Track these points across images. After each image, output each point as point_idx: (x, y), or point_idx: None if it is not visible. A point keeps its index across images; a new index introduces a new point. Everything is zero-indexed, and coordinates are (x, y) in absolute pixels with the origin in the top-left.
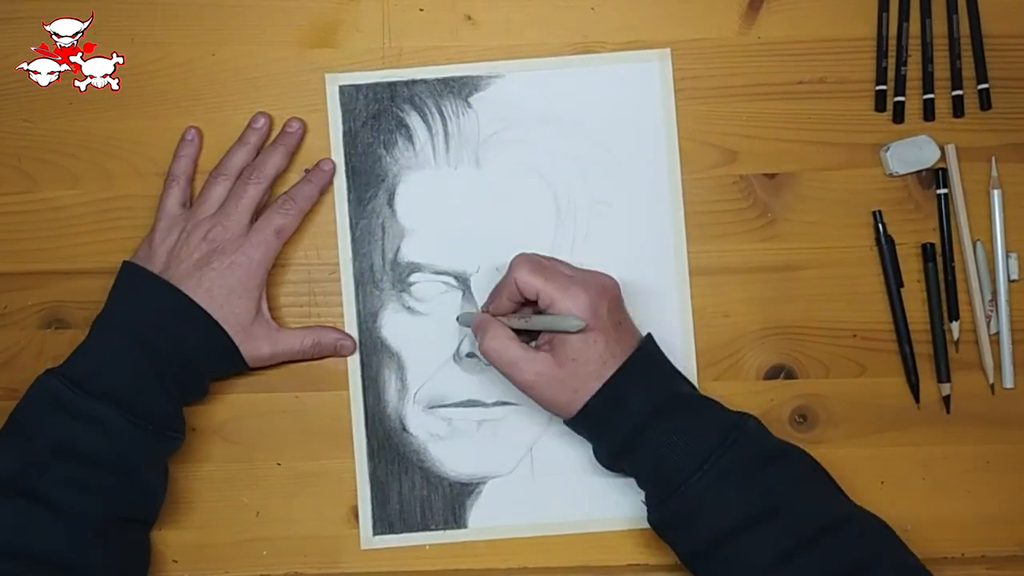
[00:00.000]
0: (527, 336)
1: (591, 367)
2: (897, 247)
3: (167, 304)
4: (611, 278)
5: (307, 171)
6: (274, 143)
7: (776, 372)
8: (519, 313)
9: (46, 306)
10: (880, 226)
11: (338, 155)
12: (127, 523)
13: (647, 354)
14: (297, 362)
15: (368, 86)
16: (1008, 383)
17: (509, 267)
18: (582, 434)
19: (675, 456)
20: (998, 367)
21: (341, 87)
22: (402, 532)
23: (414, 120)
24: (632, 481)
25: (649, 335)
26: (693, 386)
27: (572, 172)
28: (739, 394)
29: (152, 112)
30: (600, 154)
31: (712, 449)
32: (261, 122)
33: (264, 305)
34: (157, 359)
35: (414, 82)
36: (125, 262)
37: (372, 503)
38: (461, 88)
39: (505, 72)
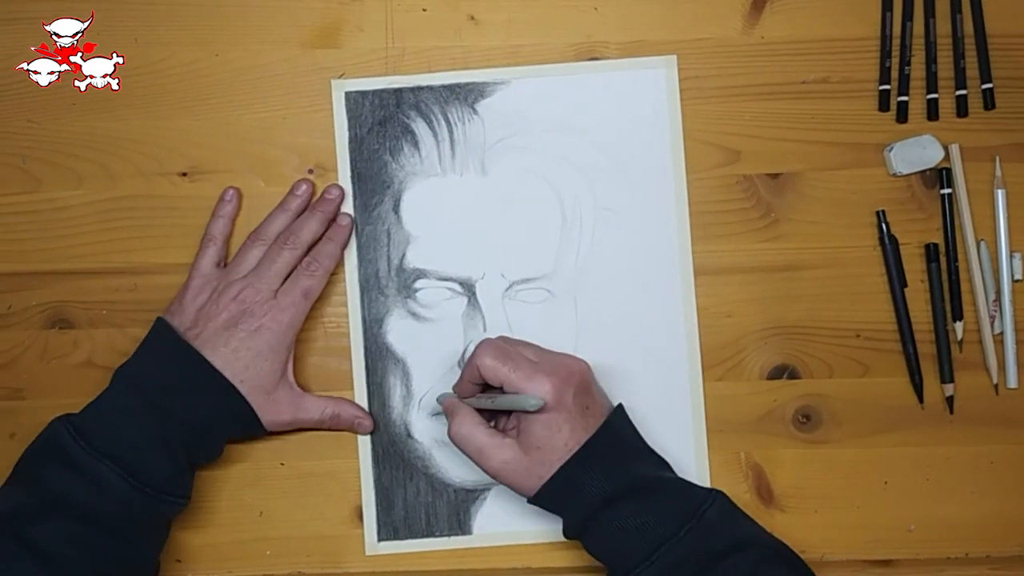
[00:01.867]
0: (496, 413)
1: (556, 454)
2: (900, 247)
3: (187, 369)
4: (580, 362)
5: (310, 171)
6: (312, 209)
7: (779, 372)
8: (486, 393)
9: (50, 306)
10: (884, 226)
11: (344, 161)
12: None
13: (610, 435)
14: (315, 431)
15: (374, 92)
16: (1012, 383)
17: (473, 353)
18: (548, 510)
19: (628, 541)
20: (1002, 367)
21: (347, 93)
22: (407, 538)
23: (420, 127)
24: None
25: (619, 407)
26: (663, 462)
27: (578, 179)
28: (742, 394)
29: (156, 112)
30: (606, 161)
31: (664, 539)
32: (303, 189)
33: (290, 369)
34: (167, 423)
35: (420, 88)
36: (159, 318)
37: (377, 509)
38: (467, 95)
39: (511, 79)
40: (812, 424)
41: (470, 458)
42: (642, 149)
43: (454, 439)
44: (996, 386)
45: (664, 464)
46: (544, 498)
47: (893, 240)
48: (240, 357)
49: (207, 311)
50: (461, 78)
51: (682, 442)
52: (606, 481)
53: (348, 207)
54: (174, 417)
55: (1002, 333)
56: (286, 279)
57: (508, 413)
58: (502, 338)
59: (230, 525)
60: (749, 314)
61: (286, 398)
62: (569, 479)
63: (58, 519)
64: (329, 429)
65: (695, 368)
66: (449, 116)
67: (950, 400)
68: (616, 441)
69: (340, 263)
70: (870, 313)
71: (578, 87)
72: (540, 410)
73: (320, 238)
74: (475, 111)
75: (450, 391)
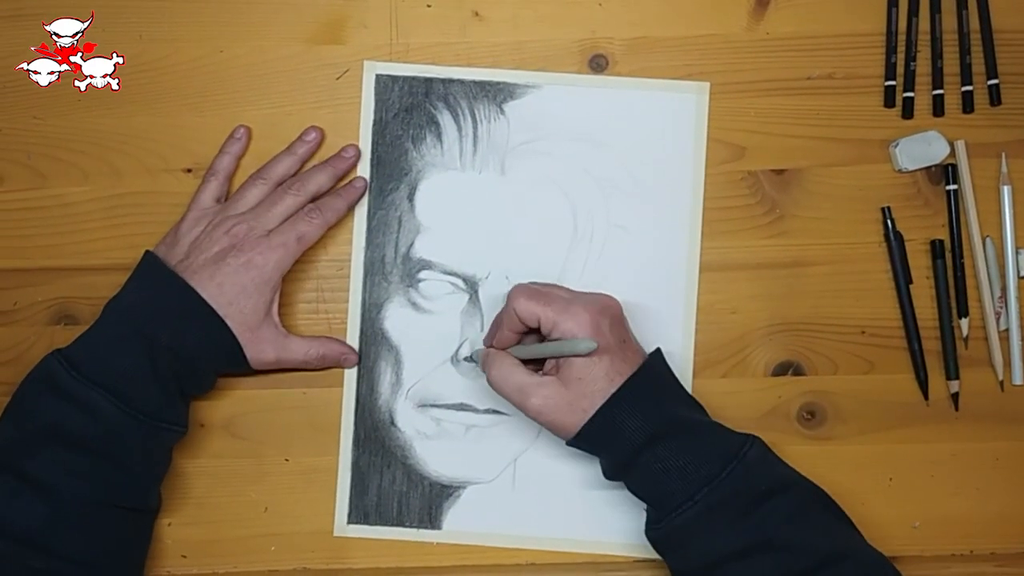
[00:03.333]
0: (534, 366)
1: (598, 384)
2: (906, 243)
3: (174, 299)
4: (611, 297)
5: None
6: (325, 163)
7: (784, 368)
8: (523, 343)
9: (55, 302)
10: (889, 222)
11: (366, 143)
12: (116, 510)
13: (649, 375)
14: (300, 371)
15: (404, 78)
16: (1018, 380)
17: (507, 299)
18: (587, 450)
19: (670, 482)
20: (1008, 364)
21: (378, 76)
22: (376, 524)
23: (446, 119)
24: (613, 509)
25: (658, 351)
26: (700, 407)
27: (595, 192)
28: (747, 391)
29: (161, 109)
30: (625, 178)
31: (706, 480)
32: (312, 135)
33: (275, 309)
34: (156, 351)
35: (451, 81)
36: (147, 251)
37: (351, 492)
38: (496, 93)
39: (542, 83)
40: (817, 421)
41: (510, 401)
42: (663, 171)
43: (493, 383)
44: (1002, 383)
45: (702, 409)
46: (585, 438)
47: (899, 237)
48: (224, 291)
49: (200, 243)
50: (494, 76)
51: None
52: (647, 421)
53: None
54: (162, 345)
55: (1007, 329)
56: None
57: (542, 362)
58: (532, 283)
59: (234, 521)
60: (754, 310)
61: (270, 336)
62: (610, 419)
63: (53, 449)
64: (315, 369)
65: (688, 376)
66: (476, 112)
67: (955, 397)
68: (656, 382)
69: (347, 232)
70: (875, 309)
71: (608, 101)
72: (590, 354)
73: (326, 193)
74: (502, 111)
75: (481, 347)
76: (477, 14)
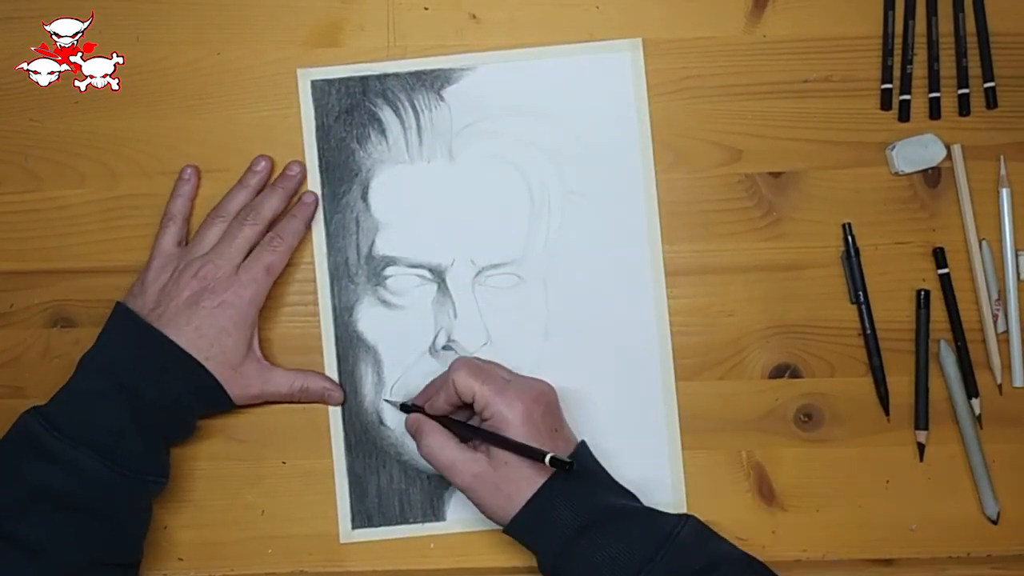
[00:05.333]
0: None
1: (524, 471)
2: (902, 246)
3: (152, 350)
4: (547, 384)
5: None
6: (273, 185)
7: (781, 371)
8: (454, 415)
9: (52, 305)
10: (849, 238)
11: (311, 150)
12: (106, 567)
13: (579, 465)
14: (284, 403)
15: (340, 80)
16: (1018, 382)
17: (448, 368)
18: (522, 543)
19: (606, 571)
20: (1006, 367)
21: (313, 82)
22: (381, 525)
23: (387, 114)
24: None
25: (583, 443)
26: (630, 494)
27: (545, 163)
28: (744, 393)
29: (158, 112)
30: (573, 145)
31: (642, 564)
32: (261, 165)
33: (255, 343)
34: (138, 404)
35: (386, 76)
36: (117, 303)
37: (350, 497)
38: (433, 81)
39: (477, 64)
40: (814, 423)
41: (441, 473)
42: (609, 133)
43: (425, 454)
44: (1000, 386)
45: (632, 496)
46: (518, 527)
47: (857, 252)
48: (204, 335)
49: (169, 290)
50: (426, 65)
51: (654, 425)
52: (579, 510)
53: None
54: (144, 398)
55: (1006, 332)
56: (248, 255)
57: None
58: (476, 358)
59: (232, 523)
60: (751, 313)
61: (253, 371)
62: (542, 508)
63: (41, 511)
64: (299, 402)
65: (665, 347)
66: (415, 103)
67: (921, 448)
68: (585, 472)
69: (306, 242)
70: (872, 312)
71: (544, 72)
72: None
73: (282, 214)
74: (441, 97)
75: (394, 400)
76: (474, 17)
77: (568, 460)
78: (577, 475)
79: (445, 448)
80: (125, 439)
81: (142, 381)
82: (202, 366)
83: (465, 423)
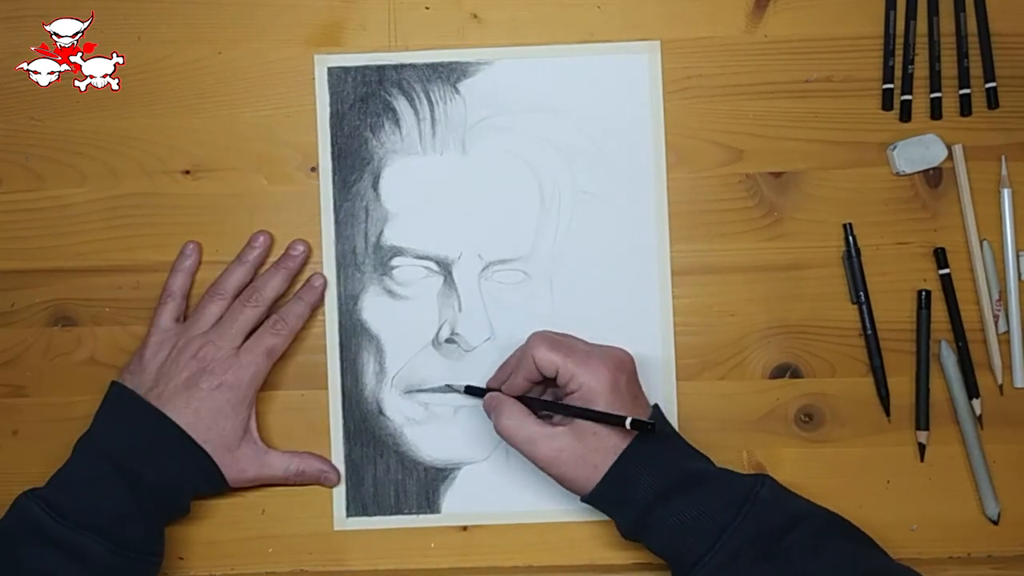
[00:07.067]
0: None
1: (611, 440)
2: (903, 246)
3: (151, 431)
4: (625, 352)
5: (313, 169)
6: (276, 266)
7: (782, 371)
8: (532, 392)
9: (53, 304)
10: (850, 239)
11: (324, 137)
12: None
13: (657, 429)
14: (280, 485)
15: (357, 69)
16: (1018, 383)
17: (525, 345)
18: (603, 510)
19: (687, 535)
20: (1007, 367)
21: (330, 69)
22: (375, 515)
23: (402, 104)
24: None
25: (656, 406)
26: (705, 457)
27: (557, 161)
28: (745, 393)
29: (159, 111)
30: (587, 144)
31: (723, 527)
32: (260, 240)
33: (253, 425)
34: (139, 487)
35: (403, 66)
36: (113, 382)
37: (346, 485)
38: (450, 74)
39: (494, 59)
40: (814, 423)
41: (519, 450)
42: (623, 134)
43: (502, 432)
44: (1001, 386)
45: (707, 458)
46: (598, 496)
47: (858, 253)
48: (202, 417)
49: (168, 369)
50: (444, 57)
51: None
52: (660, 476)
53: (327, 183)
54: (144, 480)
55: (1007, 332)
56: (248, 335)
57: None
58: (549, 331)
59: (232, 522)
60: (752, 313)
61: (249, 454)
62: (623, 475)
63: None
64: (294, 484)
65: (668, 348)
66: (431, 95)
67: (922, 448)
68: (663, 436)
69: (314, 231)
70: (873, 312)
71: (561, 70)
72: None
73: (284, 294)
74: (457, 90)
75: (473, 384)
76: (475, 16)
77: (650, 421)
78: (656, 439)
79: (525, 424)
80: (129, 522)
81: (142, 463)
82: (201, 448)
83: (540, 399)
